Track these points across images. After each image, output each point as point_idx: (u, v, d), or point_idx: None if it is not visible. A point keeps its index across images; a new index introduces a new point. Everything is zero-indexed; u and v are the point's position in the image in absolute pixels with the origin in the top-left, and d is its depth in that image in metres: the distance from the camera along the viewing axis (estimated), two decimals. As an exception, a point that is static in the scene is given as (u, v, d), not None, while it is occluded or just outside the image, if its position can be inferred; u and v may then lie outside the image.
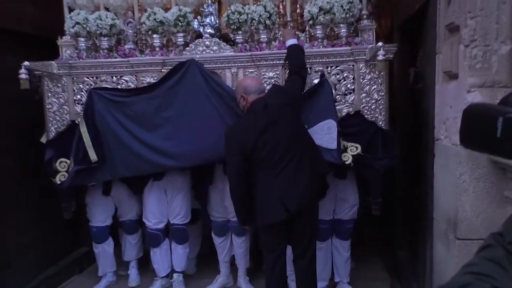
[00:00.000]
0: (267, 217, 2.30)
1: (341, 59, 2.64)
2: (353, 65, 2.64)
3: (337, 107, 2.63)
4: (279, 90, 2.47)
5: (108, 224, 3.26)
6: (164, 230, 3.15)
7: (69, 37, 2.84)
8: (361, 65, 2.62)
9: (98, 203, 3.20)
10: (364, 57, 2.59)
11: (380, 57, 2.26)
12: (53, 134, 2.88)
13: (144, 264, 3.42)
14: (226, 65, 2.71)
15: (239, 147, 2.26)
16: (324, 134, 2.56)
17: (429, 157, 2.26)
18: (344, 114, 2.66)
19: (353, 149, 2.62)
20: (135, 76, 2.79)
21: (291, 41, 2.56)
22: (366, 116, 2.65)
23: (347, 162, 2.60)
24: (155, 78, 2.75)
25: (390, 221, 3.59)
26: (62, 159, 2.86)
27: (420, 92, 2.68)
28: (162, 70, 2.74)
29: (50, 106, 2.86)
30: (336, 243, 3.00)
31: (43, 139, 2.94)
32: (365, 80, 2.64)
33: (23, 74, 2.50)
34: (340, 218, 2.95)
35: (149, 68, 2.75)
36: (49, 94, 2.85)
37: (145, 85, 2.75)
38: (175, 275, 3.18)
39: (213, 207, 3.15)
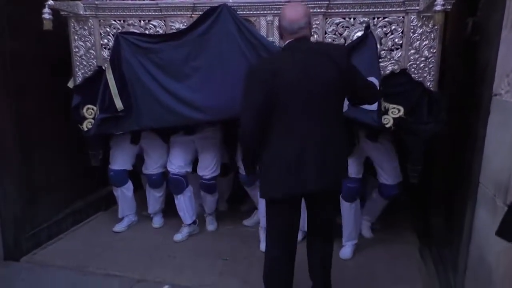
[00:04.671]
0: (282, 187, 1.89)
1: (390, 9, 2.36)
2: (403, 17, 2.36)
3: (381, 64, 2.39)
4: (344, 53, 1.91)
5: (126, 168, 3.25)
6: (187, 177, 3.12)
7: (97, -24, 2.67)
8: (412, 17, 2.33)
9: (120, 147, 3.18)
10: (417, 7, 2.30)
11: (438, 7, 1.97)
12: (80, 79, 2.81)
13: (171, 211, 3.43)
14: (261, 12, 2.49)
15: (262, 80, 1.81)
16: (364, 93, 2.34)
17: (482, 115, 2.01)
18: (388, 72, 2.42)
19: (394, 112, 2.40)
20: (164, 21, 2.61)
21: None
22: (412, 76, 2.40)
23: (387, 125, 2.39)
24: (185, 24, 2.57)
25: (424, 185, 3.40)
26: (89, 106, 2.80)
27: (477, 45, 2.37)
28: (192, 15, 2.55)
29: (76, 49, 2.75)
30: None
31: (70, 84, 2.88)
32: (416, 35, 2.36)
33: (46, 14, 2.37)
34: (383, 182, 2.85)
35: (178, 13, 2.57)
36: (76, 37, 2.73)
37: (174, 31, 2.59)
38: (207, 215, 3.36)
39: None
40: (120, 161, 3.20)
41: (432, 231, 2.97)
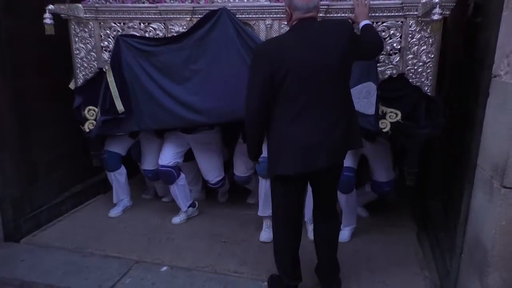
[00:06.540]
0: (293, 165, 1.93)
1: (388, 14, 2.36)
2: (401, 22, 2.36)
3: (379, 69, 2.41)
4: (350, 26, 1.97)
5: (120, 152, 3.27)
6: (177, 167, 3.12)
7: (97, -22, 2.67)
8: (411, 22, 2.34)
9: (116, 136, 3.19)
10: (415, 13, 2.30)
11: (436, 17, 1.97)
12: (81, 81, 2.83)
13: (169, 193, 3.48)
14: (260, 16, 2.49)
15: (268, 62, 1.84)
16: (362, 98, 2.37)
17: (481, 97, 1.99)
18: (386, 76, 2.44)
19: (392, 116, 2.43)
20: (164, 24, 2.63)
21: (364, 22, 2.19)
22: (410, 80, 2.41)
23: (384, 130, 2.42)
24: (185, 28, 2.58)
25: (421, 170, 3.43)
26: (91, 107, 2.84)
27: (478, 27, 2.32)
28: (192, 18, 2.56)
29: (77, 51, 2.77)
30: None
31: (72, 86, 2.90)
32: (414, 40, 2.36)
33: (47, 19, 2.38)
34: (376, 180, 2.91)
35: (178, 16, 2.58)
36: (76, 39, 2.75)
37: (174, 34, 2.60)
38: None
39: (238, 165, 3.14)
40: (115, 145, 3.23)
41: (429, 215, 2.99)
